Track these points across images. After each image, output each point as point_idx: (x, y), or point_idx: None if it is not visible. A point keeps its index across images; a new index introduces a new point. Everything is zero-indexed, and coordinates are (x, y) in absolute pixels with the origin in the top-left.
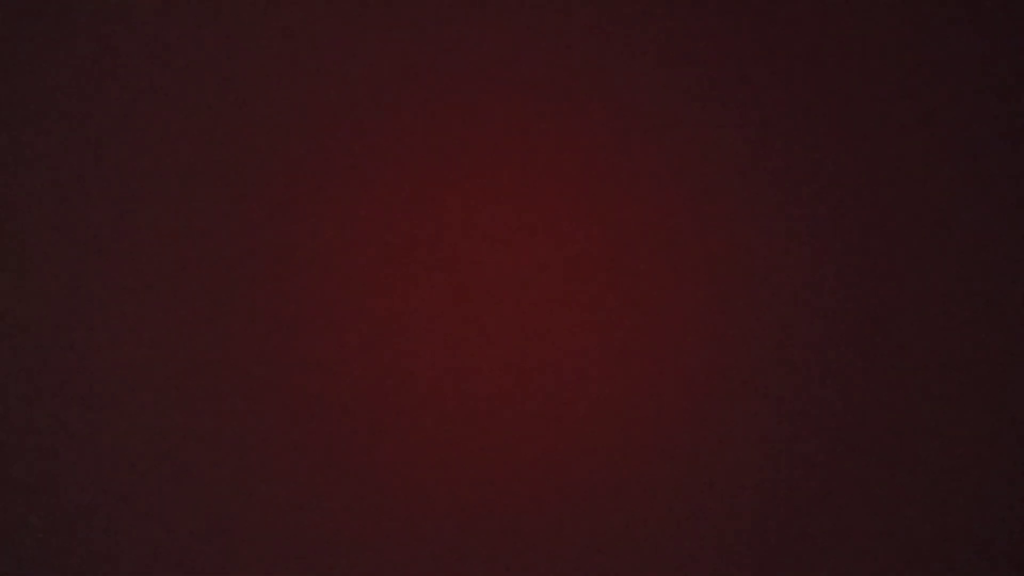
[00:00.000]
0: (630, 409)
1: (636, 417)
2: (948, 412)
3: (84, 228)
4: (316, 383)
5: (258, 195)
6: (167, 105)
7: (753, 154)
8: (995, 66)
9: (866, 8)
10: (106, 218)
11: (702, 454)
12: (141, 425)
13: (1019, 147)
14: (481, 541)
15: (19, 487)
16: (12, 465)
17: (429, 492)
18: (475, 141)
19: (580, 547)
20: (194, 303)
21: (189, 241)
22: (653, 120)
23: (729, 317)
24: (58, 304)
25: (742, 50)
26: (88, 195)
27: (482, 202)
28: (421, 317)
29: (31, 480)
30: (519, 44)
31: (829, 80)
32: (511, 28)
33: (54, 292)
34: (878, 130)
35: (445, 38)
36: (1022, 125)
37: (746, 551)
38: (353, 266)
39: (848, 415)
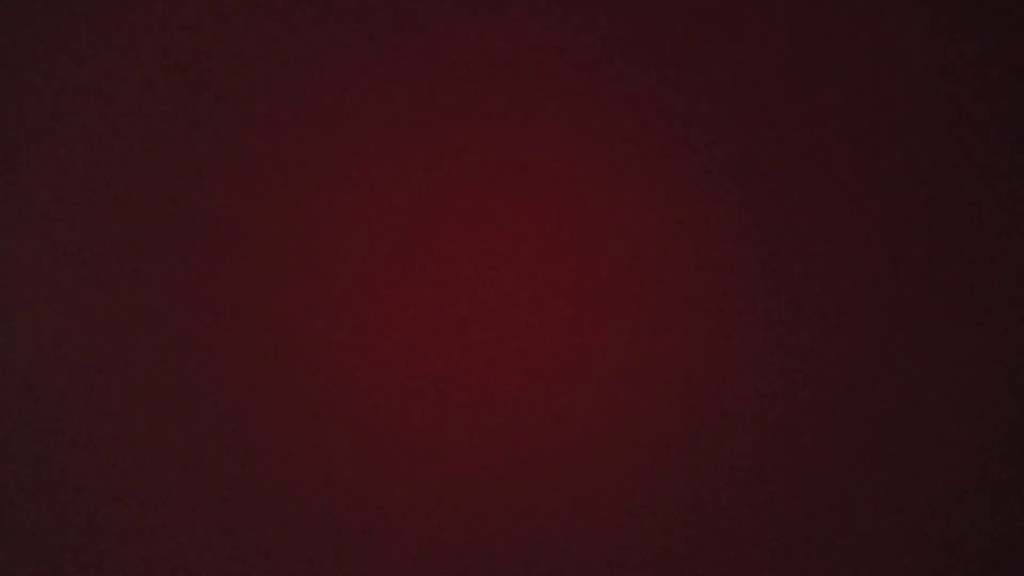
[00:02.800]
0: (630, 409)
1: (636, 417)
2: (948, 412)
3: (80, 227)
4: (314, 383)
5: (254, 194)
6: (164, 101)
7: (755, 154)
8: (995, 66)
9: (866, 9)
10: (103, 217)
11: (703, 455)
12: (135, 423)
13: (1019, 147)
14: (483, 543)
15: (17, 487)
16: (11, 465)
17: (427, 492)
18: (474, 140)
19: (581, 549)
20: (190, 303)
21: (183, 241)
22: (654, 119)
23: (730, 317)
24: (51, 303)
25: (743, 49)
26: (83, 193)
27: (481, 201)
28: (419, 317)
29: (27, 480)
30: (519, 42)
31: (831, 79)
32: (510, 26)
33: (48, 292)
34: (879, 130)
35: (444, 37)
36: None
37: (748, 553)
38: (350, 266)
39: (851, 416)
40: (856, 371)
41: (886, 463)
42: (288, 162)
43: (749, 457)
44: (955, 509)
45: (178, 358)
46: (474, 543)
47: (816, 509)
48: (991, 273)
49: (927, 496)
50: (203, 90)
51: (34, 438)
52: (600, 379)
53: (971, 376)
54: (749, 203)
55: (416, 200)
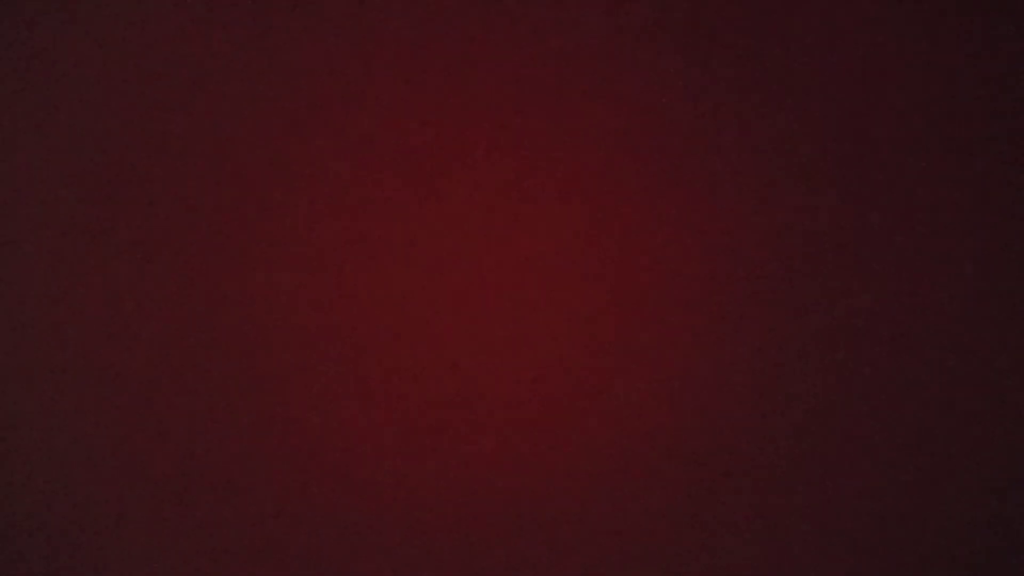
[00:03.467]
0: (630, 408)
1: (636, 416)
2: (951, 413)
3: (75, 226)
4: (311, 383)
5: (251, 193)
6: (162, 100)
7: (754, 151)
8: (995, 66)
9: (868, 7)
10: (98, 217)
11: (703, 455)
12: (129, 425)
13: (1019, 147)
14: (478, 544)
15: (15, 487)
16: (9, 465)
17: (420, 492)
18: (470, 138)
19: (577, 550)
20: (188, 301)
21: (181, 240)
22: (653, 117)
23: (731, 316)
24: (45, 304)
25: (742, 47)
26: (77, 193)
27: (479, 199)
28: (418, 316)
29: (25, 481)
30: (516, 40)
31: (831, 76)
32: (507, 23)
33: (40, 292)
34: (881, 128)
35: (442, 33)
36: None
37: (747, 553)
38: (346, 263)
39: (852, 416)
40: (863, 370)
41: (893, 463)
42: (290, 160)
43: (754, 457)
44: (962, 509)
45: (177, 356)
46: (471, 540)
47: (822, 510)
48: (993, 273)
49: (933, 496)
50: (205, 87)
51: (30, 437)
52: (602, 378)
53: (974, 377)
54: (753, 201)
55: (416, 199)
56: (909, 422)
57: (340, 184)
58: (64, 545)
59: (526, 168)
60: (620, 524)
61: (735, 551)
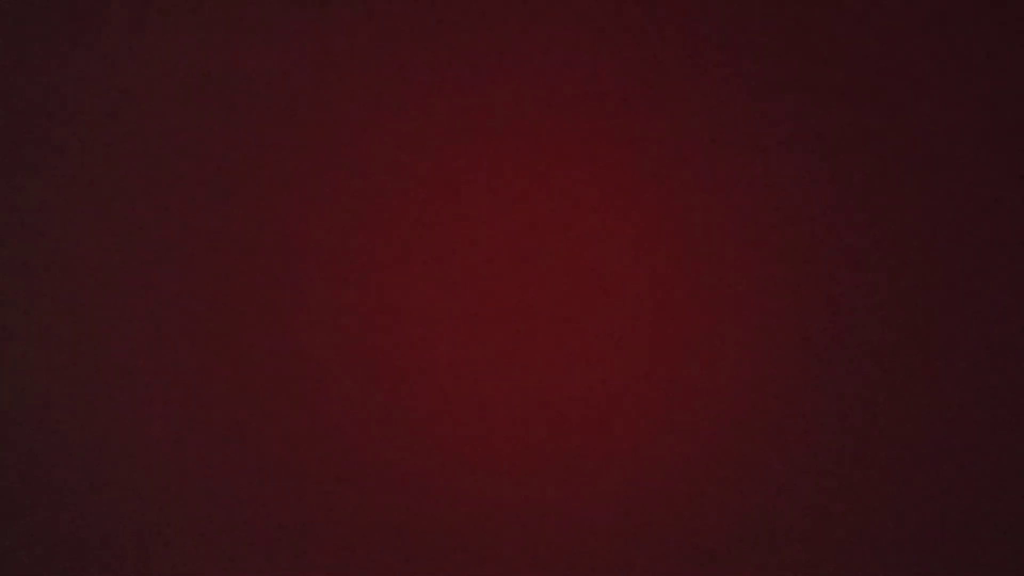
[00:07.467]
0: (642, 409)
1: (649, 417)
2: (968, 415)
3: (80, 227)
4: (323, 383)
5: (260, 192)
6: (166, 102)
7: (777, 151)
8: (996, 65)
9: (878, 6)
10: (106, 217)
11: (718, 456)
12: (138, 422)
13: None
14: (484, 545)
15: (17, 485)
16: (10, 462)
17: (433, 496)
18: (490, 135)
19: (588, 552)
20: (195, 301)
21: (189, 239)
22: (671, 116)
23: (748, 317)
24: (48, 302)
25: (763, 44)
26: (84, 194)
27: (497, 198)
28: (432, 316)
29: (27, 477)
30: (534, 35)
31: (850, 75)
32: (524, 19)
33: (45, 291)
34: (899, 129)
35: (454, 31)
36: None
37: (758, 554)
38: (360, 263)
39: (875, 413)
40: (879, 363)
41: (911, 460)
42: (305, 165)
43: (767, 456)
44: (972, 511)
45: (178, 355)
46: (488, 538)
47: (840, 507)
48: (994, 273)
49: (945, 496)
50: (204, 90)
51: (29, 435)
52: (617, 376)
53: (977, 377)
54: (772, 200)
55: (438, 199)
56: (925, 427)
57: (384, 194)
58: (103, 538)
59: (555, 165)
60: (640, 525)
61: (766, 554)
